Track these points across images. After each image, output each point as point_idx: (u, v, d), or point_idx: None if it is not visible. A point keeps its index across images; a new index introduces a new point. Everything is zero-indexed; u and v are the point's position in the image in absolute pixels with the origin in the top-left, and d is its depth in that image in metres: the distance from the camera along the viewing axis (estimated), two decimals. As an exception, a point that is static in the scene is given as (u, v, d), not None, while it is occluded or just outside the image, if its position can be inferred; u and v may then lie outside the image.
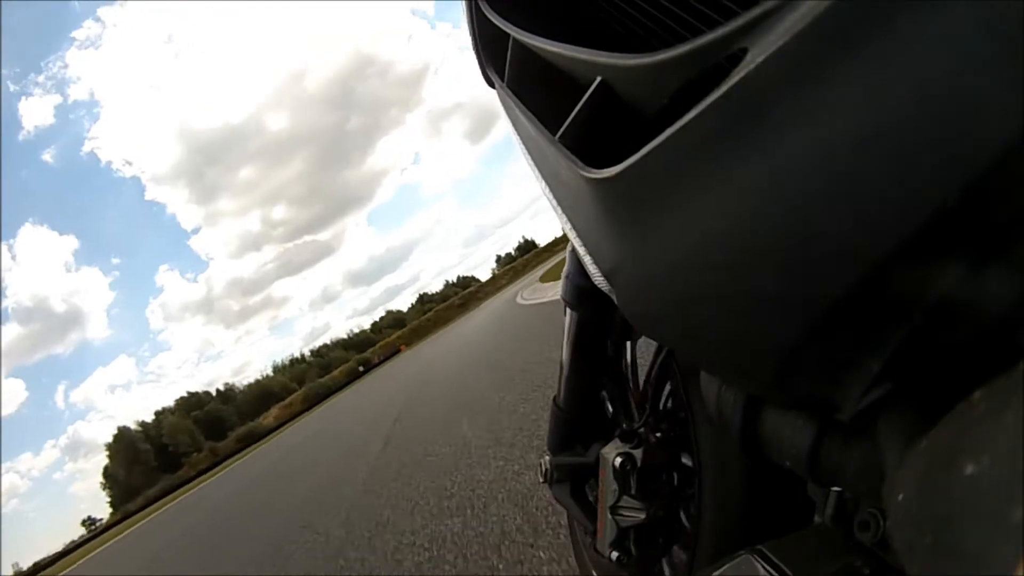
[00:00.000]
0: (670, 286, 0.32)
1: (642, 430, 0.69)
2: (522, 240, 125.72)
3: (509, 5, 0.48)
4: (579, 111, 0.36)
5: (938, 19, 0.18)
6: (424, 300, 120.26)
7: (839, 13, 0.20)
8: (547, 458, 0.91)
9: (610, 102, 0.34)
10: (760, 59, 0.22)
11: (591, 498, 0.84)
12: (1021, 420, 0.18)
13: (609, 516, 0.69)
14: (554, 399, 0.89)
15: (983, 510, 0.18)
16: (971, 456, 0.19)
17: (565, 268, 0.79)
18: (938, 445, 0.21)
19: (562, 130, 0.38)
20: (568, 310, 0.81)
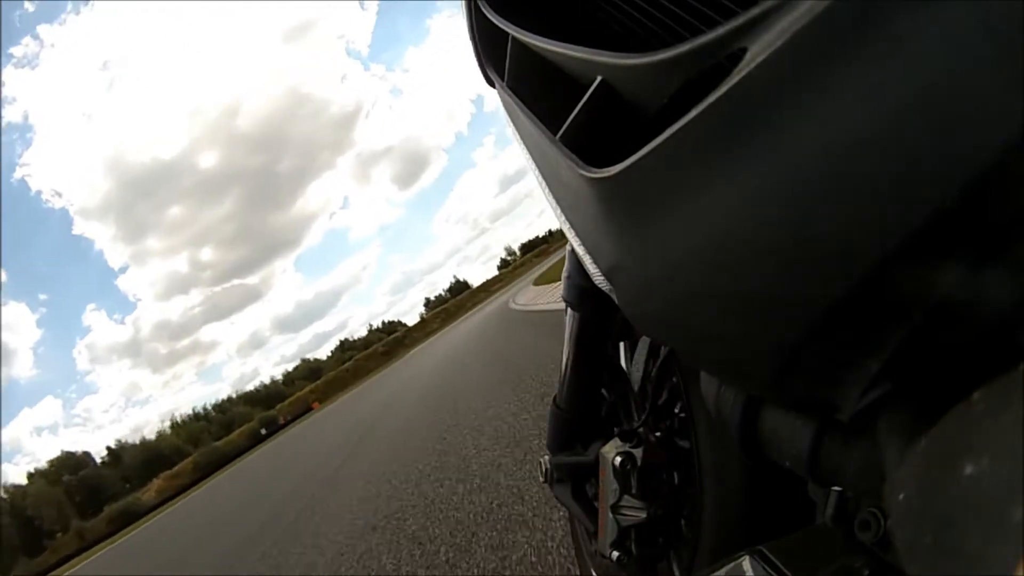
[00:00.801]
0: (670, 286, 0.32)
1: (642, 429, 0.69)
2: (454, 280, 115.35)
3: (509, 4, 0.48)
4: (579, 111, 0.36)
5: (938, 19, 0.18)
6: (345, 347, 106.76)
7: (839, 13, 0.20)
8: (547, 458, 0.91)
9: (610, 102, 0.34)
10: (760, 59, 0.22)
11: (591, 498, 0.84)
12: (1021, 420, 0.18)
13: (610, 515, 0.69)
14: (554, 399, 0.89)
15: (983, 510, 0.18)
16: (971, 456, 0.19)
17: (565, 268, 0.79)
18: (938, 445, 0.21)
19: (562, 130, 0.38)
20: (568, 310, 0.81)
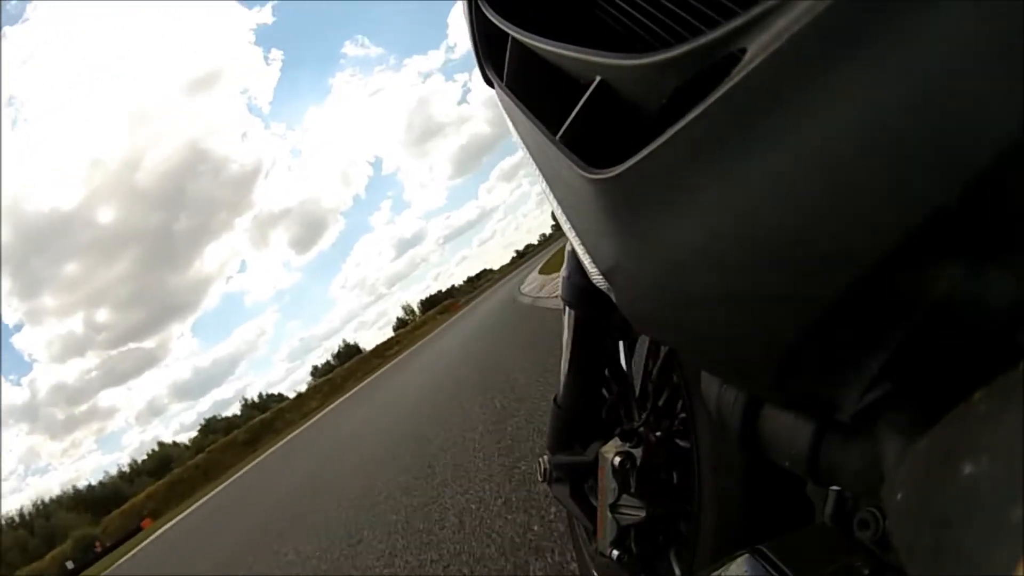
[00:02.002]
0: (670, 286, 0.32)
1: (642, 429, 0.69)
2: (342, 345, 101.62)
3: (509, 5, 0.48)
4: (579, 111, 0.36)
5: (938, 19, 0.18)
6: (211, 428, 79.22)
7: (839, 13, 0.20)
8: (546, 457, 0.91)
9: (610, 102, 0.34)
10: (759, 59, 0.22)
11: (591, 497, 0.84)
12: (1021, 420, 0.18)
13: (609, 515, 0.69)
14: (554, 398, 0.89)
15: (983, 510, 0.18)
16: (971, 456, 0.19)
17: (564, 268, 0.79)
18: (938, 445, 0.21)
19: (562, 130, 0.38)
20: (568, 309, 0.81)
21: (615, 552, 0.70)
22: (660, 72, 0.28)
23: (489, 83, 0.57)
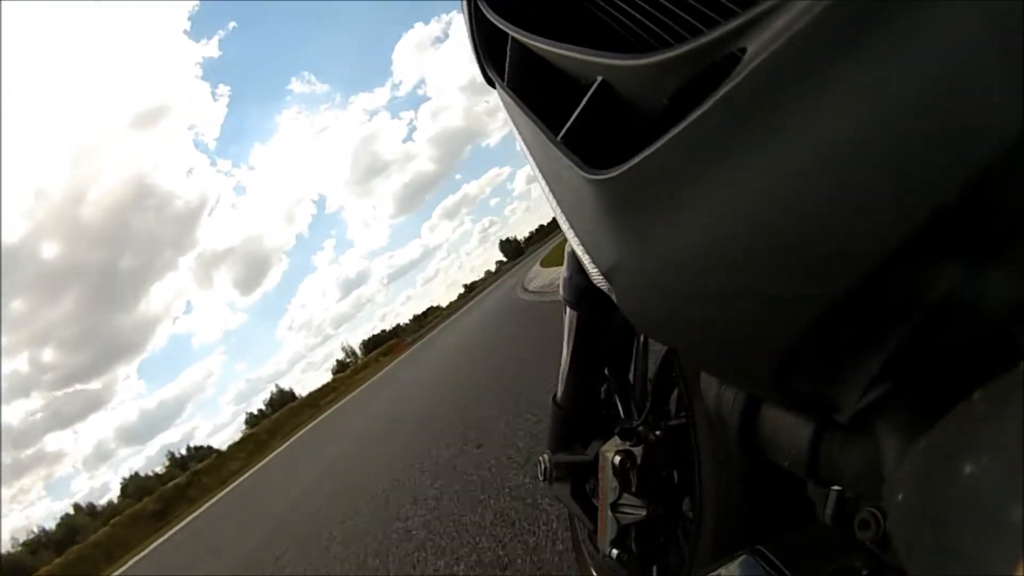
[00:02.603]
0: (670, 286, 0.32)
1: (642, 427, 0.69)
2: (275, 391, 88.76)
3: (509, 5, 0.48)
4: (580, 111, 0.36)
5: (937, 19, 0.18)
6: (129, 490, 64.03)
7: (838, 13, 0.20)
8: (546, 456, 0.91)
9: (610, 102, 0.34)
10: (760, 59, 0.22)
11: (591, 497, 0.84)
12: (1021, 420, 0.18)
13: (610, 514, 0.69)
14: (553, 397, 0.89)
15: (983, 510, 0.18)
16: (971, 456, 0.19)
17: (564, 268, 0.79)
18: (938, 445, 0.21)
19: (563, 131, 0.38)
20: (567, 308, 0.81)
21: (615, 551, 0.70)
22: (661, 72, 0.28)
23: (490, 83, 0.57)
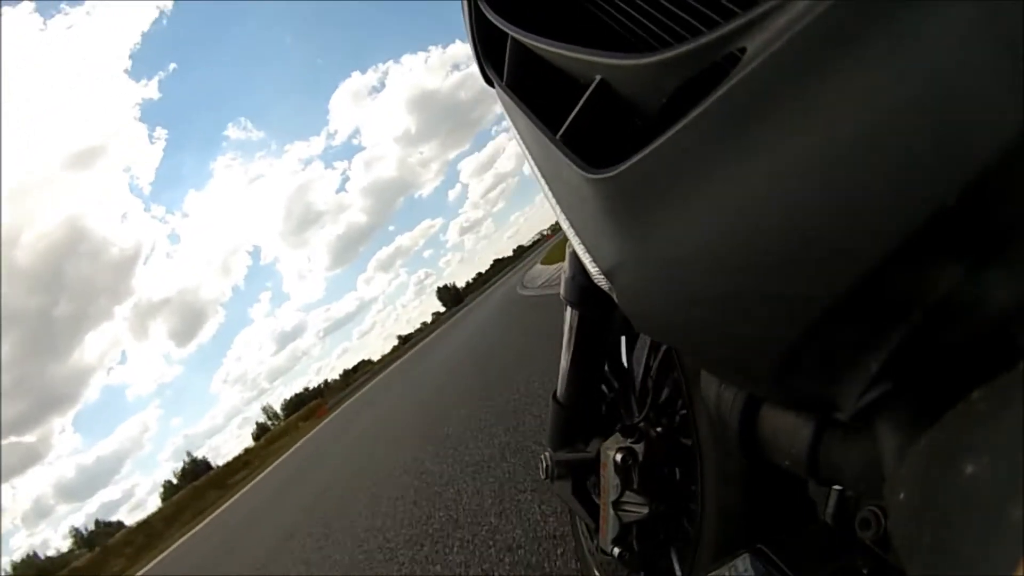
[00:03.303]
0: (670, 285, 0.32)
1: (643, 424, 0.69)
2: (188, 460, 78.50)
3: (508, 4, 0.48)
4: (579, 111, 0.36)
5: (937, 19, 0.18)
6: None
7: (838, 13, 0.20)
8: (547, 454, 0.91)
9: (610, 102, 0.34)
10: (760, 59, 0.22)
11: (592, 494, 0.84)
12: (1021, 420, 0.18)
13: (611, 511, 0.69)
14: (554, 395, 0.89)
15: (983, 510, 0.18)
16: (971, 456, 0.19)
17: (564, 267, 0.79)
18: (938, 444, 0.21)
19: (562, 130, 0.38)
20: (568, 307, 0.81)
21: (617, 549, 0.70)
22: (660, 72, 0.28)
23: (489, 83, 0.57)
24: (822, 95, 0.21)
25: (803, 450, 0.32)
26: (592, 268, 0.41)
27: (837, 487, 0.34)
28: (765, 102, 0.23)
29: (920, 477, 0.22)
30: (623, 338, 0.84)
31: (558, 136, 0.39)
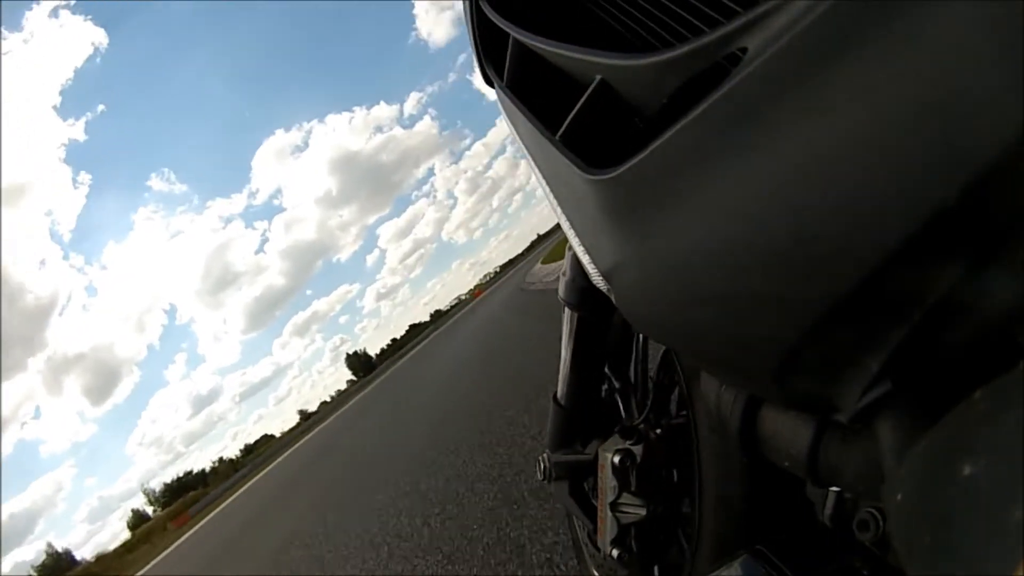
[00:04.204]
0: (669, 286, 0.32)
1: (642, 426, 0.69)
2: (48, 548, 68.43)
3: (509, 4, 0.48)
4: (579, 111, 0.36)
5: (937, 19, 0.18)
6: None
7: (839, 13, 0.20)
8: (546, 455, 0.91)
9: (610, 102, 0.34)
10: (760, 59, 0.22)
11: (591, 496, 0.84)
12: (1021, 420, 0.18)
13: (609, 513, 0.69)
14: (553, 396, 0.89)
15: (983, 510, 0.18)
16: (971, 456, 0.19)
17: (564, 267, 0.79)
18: (938, 445, 0.21)
19: (562, 130, 0.38)
20: (567, 308, 0.81)
21: (615, 551, 0.70)
22: (661, 72, 0.28)
23: (489, 83, 0.57)
24: (823, 95, 0.21)
25: (803, 451, 0.32)
26: (591, 269, 0.41)
27: (835, 488, 0.34)
28: (766, 102, 0.23)
29: (920, 477, 0.22)
30: (622, 339, 0.84)
31: (558, 136, 0.39)
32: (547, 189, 0.47)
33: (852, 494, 0.33)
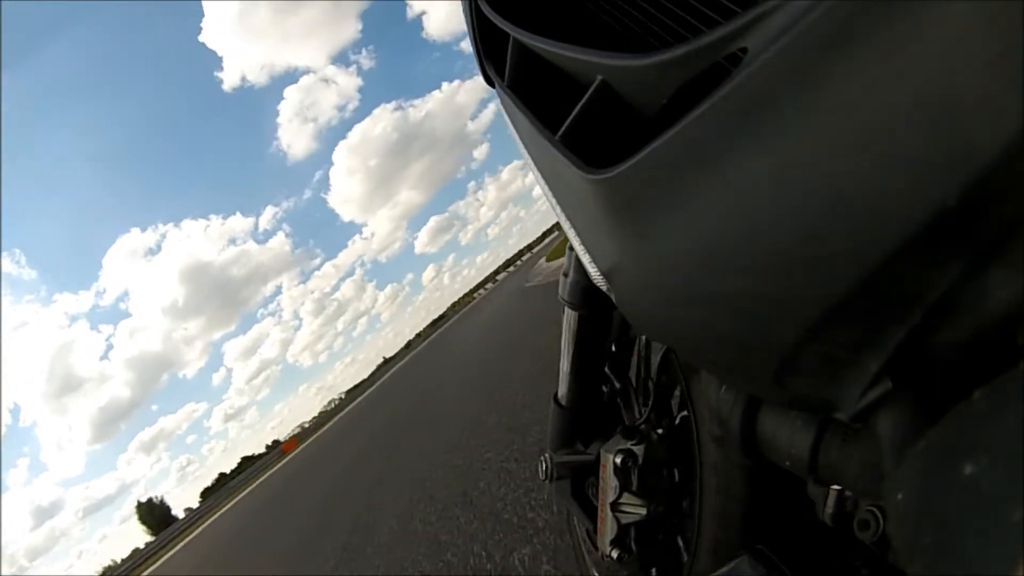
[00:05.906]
0: (669, 286, 0.32)
1: (643, 427, 0.69)
2: None
3: (509, 4, 0.48)
4: (579, 111, 0.36)
5: (937, 19, 0.18)
6: None
7: (839, 13, 0.20)
8: (547, 455, 0.91)
9: (610, 102, 0.34)
10: (760, 59, 0.22)
11: (591, 496, 0.84)
12: (1021, 420, 0.18)
13: (610, 513, 0.69)
14: (554, 397, 0.89)
15: (983, 510, 0.18)
16: (971, 456, 0.19)
17: (564, 267, 0.79)
18: (938, 445, 0.21)
19: (562, 130, 0.38)
20: (567, 308, 0.81)
21: (615, 551, 0.70)
22: (661, 72, 0.28)
23: (489, 83, 0.57)
24: (822, 95, 0.21)
25: (803, 450, 0.32)
26: (591, 268, 0.41)
27: (836, 487, 0.34)
28: (766, 102, 0.23)
29: (920, 477, 0.22)
30: (623, 340, 0.84)
31: (558, 136, 0.39)
32: (547, 189, 0.47)
33: (852, 493, 0.33)
